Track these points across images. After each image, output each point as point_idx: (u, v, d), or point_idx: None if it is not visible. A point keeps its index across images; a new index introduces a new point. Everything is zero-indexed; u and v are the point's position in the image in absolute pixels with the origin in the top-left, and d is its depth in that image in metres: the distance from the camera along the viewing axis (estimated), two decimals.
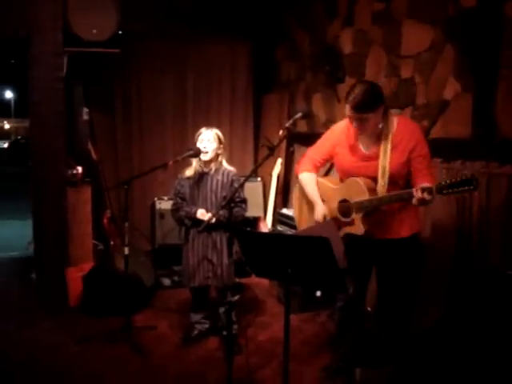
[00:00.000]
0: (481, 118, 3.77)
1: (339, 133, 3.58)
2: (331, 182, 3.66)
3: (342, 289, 3.01)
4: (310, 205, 3.71)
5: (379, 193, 3.29)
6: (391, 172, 3.29)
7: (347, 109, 3.27)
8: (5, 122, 45.86)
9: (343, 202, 3.45)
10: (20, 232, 8.05)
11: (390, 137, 3.32)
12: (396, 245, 3.43)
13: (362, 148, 3.45)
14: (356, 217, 3.37)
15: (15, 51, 6.60)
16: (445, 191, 2.91)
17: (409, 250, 3.46)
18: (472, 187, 2.83)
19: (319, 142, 3.72)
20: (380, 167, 3.31)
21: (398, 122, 3.36)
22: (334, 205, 3.52)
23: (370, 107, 3.22)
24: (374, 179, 3.34)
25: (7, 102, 45.87)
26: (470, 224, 3.76)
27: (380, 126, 3.33)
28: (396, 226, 3.40)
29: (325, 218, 3.51)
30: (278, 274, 2.97)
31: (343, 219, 3.46)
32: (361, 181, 3.33)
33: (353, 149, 3.47)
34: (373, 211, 3.33)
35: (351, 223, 3.42)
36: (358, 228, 3.37)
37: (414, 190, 3.05)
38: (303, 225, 3.81)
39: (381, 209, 3.34)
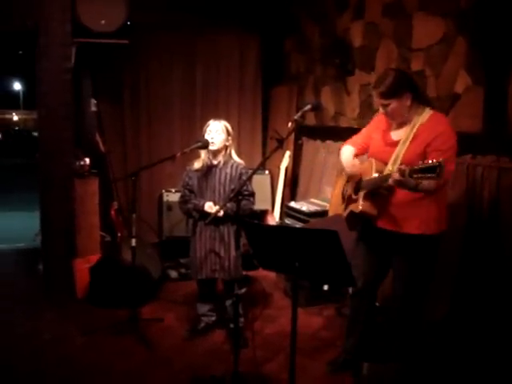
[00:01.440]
0: (492, 112, 3.74)
1: (378, 119, 3.69)
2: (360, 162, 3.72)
3: (349, 283, 2.99)
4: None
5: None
6: (403, 161, 3.28)
7: (374, 95, 3.46)
8: (13, 113, 45.89)
9: (359, 180, 3.54)
10: (27, 223, 8.06)
11: (417, 127, 3.33)
12: (403, 240, 3.41)
13: (391, 134, 3.51)
14: (360, 194, 3.45)
15: (23, 42, 6.56)
16: (415, 175, 2.90)
17: (415, 248, 3.41)
18: (435, 175, 2.78)
19: (363, 129, 3.86)
20: (394, 154, 3.35)
21: (430, 115, 3.36)
22: (353, 182, 3.62)
23: (394, 94, 3.30)
24: None
25: (16, 94, 45.89)
26: (480, 218, 3.73)
27: (406, 114, 3.37)
28: (400, 219, 3.38)
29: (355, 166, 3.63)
30: (286, 267, 2.95)
31: (353, 196, 3.55)
32: (374, 161, 3.42)
33: (384, 134, 3.55)
34: (375, 193, 3.38)
35: (356, 200, 3.49)
36: (357, 205, 3.44)
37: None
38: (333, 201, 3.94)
39: (384, 195, 3.38)
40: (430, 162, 2.80)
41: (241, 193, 3.69)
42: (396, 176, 3.02)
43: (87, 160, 5.51)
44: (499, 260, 3.59)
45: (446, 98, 4.15)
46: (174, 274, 5.88)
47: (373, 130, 3.68)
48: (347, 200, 3.66)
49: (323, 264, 2.80)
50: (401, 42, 4.69)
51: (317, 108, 3.74)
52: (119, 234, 5.48)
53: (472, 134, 3.85)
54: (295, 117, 3.54)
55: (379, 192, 3.36)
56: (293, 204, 5.38)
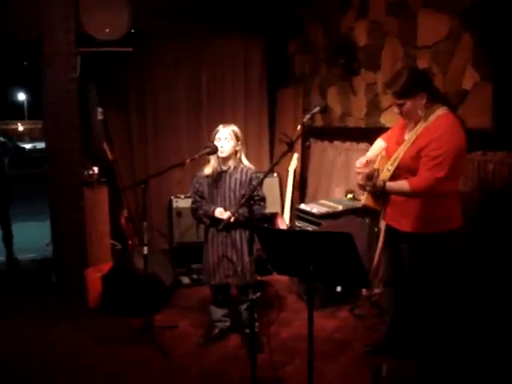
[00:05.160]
0: (501, 108, 3.71)
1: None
2: None
3: (364, 284, 2.99)
4: None
5: (380, 176, 3.49)
6: (399, 162, 3.41)
7: (388, 94, 3.50)
8: (18, 124, 46.09)
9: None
10: (37, 233, 8.08)
11: (421, 129, 3.39)
12: (403, 237, 3.56)
13: (405, 133, 3.57)
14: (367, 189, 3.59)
15: (28, 53, 6.58)
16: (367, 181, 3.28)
17: (414, 246, 3.52)
18: (370, 183, 3.24)
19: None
20: (396, 153, 3.47)
21: (437, 117, 3.38)
22: None
23: (408, 94, 3.34)
24: None
25: (20, 104, 46.15)
26: (492, 214, 3.71)
27: (422, 113, 3.40)
28: (398, 217, 3.55)
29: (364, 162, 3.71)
30: (300, 270, 2.94)
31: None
32: (380, 157, 3.62)
33: (401, 132, 3.61)
34: (375, 190, 3.50)
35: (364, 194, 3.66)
36: (362, 199, 3.62)
37: None
38: None
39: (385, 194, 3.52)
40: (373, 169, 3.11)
41: (252, 198, 3.67)
42: (363, 180, 3.35)
43: (95, 169, 5.51)
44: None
45: (454, 95, 4.12)
46: (186, 280, 5.85)
47: (397, 127, 3.73)
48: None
49: (338, 266, 2.78)
50: (406, 39, 4.67)
51: (324, 110, 3.75)
52: (130, 242, 5.48)
53: (482, 130, 3.83)
54: (304, 119, 3.56)
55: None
56: (303, 206, 5.35)
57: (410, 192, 3.31)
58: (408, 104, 3.37)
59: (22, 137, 42.14)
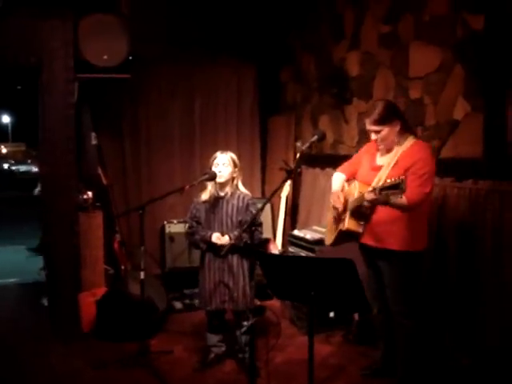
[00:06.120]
0: (492, 137, 3.81)
1: (367, 147, 3.99)
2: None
3: (365, 309, 3.05)
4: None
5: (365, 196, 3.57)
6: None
7: (366, 123, 3.67)
8: (2, 146, 45.83)
9: (346, 201, 3.79)
10: (26, 257, 8.06)
11: (400, 153, 3.62)
12: (383, 255, 3.68)
13: (377, 160, 3.79)
14: (346, 214, 3.71)
15: (24, 78, 6.60)
16: (383, 192, 3.23)
17: (395, 263, 3.65)
18: (398, 190, 3.11)
19: (354, 155, 4.17)
20: (377, 177, 3.63)
21: (412, 143, 3.66)
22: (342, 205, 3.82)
23: (385, 121, 3.59)
24: None
25: (4, 127, 45.95)
26: (483, 241, 3.79)
27: (396, 139, 3.66)
28: (384, 236, 3.64)
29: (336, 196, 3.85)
30: (301, 296, 2.99)
31: (342, 216, 3.77)
32: (357, 183, 3.71)
33: (371, 159, 3.82)
34: (358, 212, 3.64)
35: (343, 220, 3.74)
36: (343, 224, 3.71)
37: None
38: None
39: (366, 213, 3.64)
40: (395, 179, 3.13)
41: (253, 224, 3.74)
42: (371, 194, 3.35)
43: (90, 193, 5.54)
44: (502, 282, 3.65)
45: (445, 125, 4.24)
46: (178, 305, 5.86)
47: (362, 156, 3.96)
48: (337, 221, 3.87)
49: (339, 292, 2.85)
50: (398, 70, 4.79)
51: (323, 139, 3.88)
52: (123, 267, 5.49)
53: (473, 159, 3.94)
54: (303, 147, 3.68)
55: (362, 211, 3.62)
56: (296, 232, 5.42)
57: (406, 205, 3.47)
58: (385, 130, 3.61)
59: (5, 159, 41.90)
